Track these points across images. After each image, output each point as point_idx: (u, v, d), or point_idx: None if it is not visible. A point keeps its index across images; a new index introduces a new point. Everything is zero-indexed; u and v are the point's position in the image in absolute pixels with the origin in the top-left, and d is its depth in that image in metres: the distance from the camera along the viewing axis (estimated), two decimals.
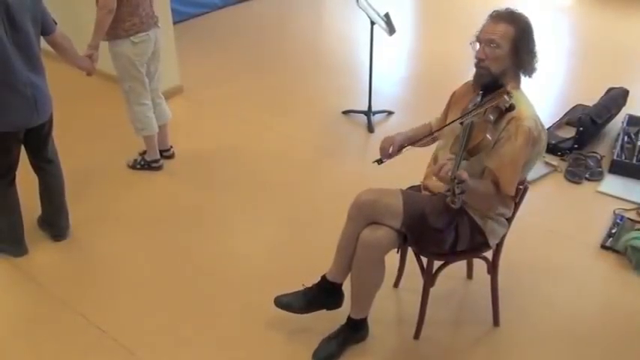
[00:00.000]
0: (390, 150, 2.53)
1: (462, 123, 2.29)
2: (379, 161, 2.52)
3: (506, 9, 2.35)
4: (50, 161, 3.19)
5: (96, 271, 3.17)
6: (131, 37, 3.48)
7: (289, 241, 3.37)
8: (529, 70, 2.36)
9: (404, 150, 2.54)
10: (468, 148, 2.22)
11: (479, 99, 2.35)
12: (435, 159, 2.60)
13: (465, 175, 2.08)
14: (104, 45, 3.50)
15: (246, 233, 3.46)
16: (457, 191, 2.04)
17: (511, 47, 2.29)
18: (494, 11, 2.37)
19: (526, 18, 2.34)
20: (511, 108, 2.27)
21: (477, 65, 2.35)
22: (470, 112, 2.32)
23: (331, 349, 2.61)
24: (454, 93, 2.65)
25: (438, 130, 2.54)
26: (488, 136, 2.23)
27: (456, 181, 2.04)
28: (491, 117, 2.27)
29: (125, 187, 3.85)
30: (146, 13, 3.53)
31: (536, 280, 3.09)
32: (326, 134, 4.45)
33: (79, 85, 4.85)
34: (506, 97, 2.27)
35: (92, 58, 3.32)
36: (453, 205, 2.08)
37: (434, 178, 2.53)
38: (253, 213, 3.61)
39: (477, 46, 2.34)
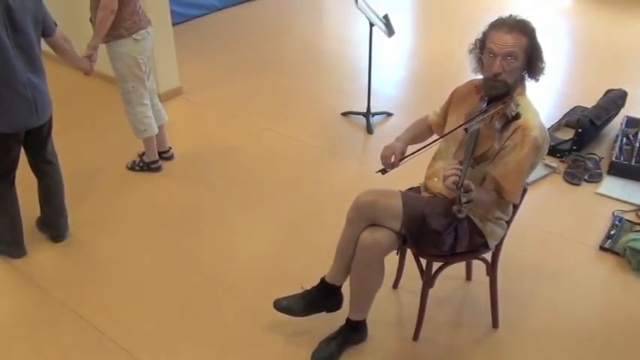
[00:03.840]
0: (392, 160, 2.50)
1: (466, 130, 2.28)
2: (382, 171, 2.50)
3: (510, 16, 2.29)
4: (50, 162, 3.19)
5: (95, 272, 3.17)
6: (133, 35, 3.49)
7: (288, 243, 3.37)
8: (539, 75, 2.33)
9: (406, 160, 2.50)
10: (475, 157, 2.20)
11: (484, 105, 2.32)
12: (435, 160, 2.60)
13: (472, 185, 2.08)
14: (104, 46, 3.50)
15: (245, 235, 3.46)
16: (463, 200, 2.04)
17: (525, 57, 2.26)
18: (499, 20, 2.29)
19: (531, 23, 2.30)
20: (517, 117, 2.25)
21: (491, 78, 2.27)
22: (475, 117, 2.28)
23: (330, 350, 2.61)
24: (455, 90, 2.61)
25: (442, 137, 2.52)
26: (495, 145, 2.21)
27: (463, 190, 2.04)
28: (498, 125, 2.25)
29: (124, 188, 3.85)
30: (142, 10, 3.56)
31: (535, 281, 3.09)
32: (325, 136, 4.45)
33: (78, 87, 4.86)
34: (512, 105, 2.24)
35: (91, 58, 3.32)
36: (459, 215, 2.07)
37: (435, 179, 2.55)
38: (252, 215, 3.61)
39: (489, 58, 2.27)
